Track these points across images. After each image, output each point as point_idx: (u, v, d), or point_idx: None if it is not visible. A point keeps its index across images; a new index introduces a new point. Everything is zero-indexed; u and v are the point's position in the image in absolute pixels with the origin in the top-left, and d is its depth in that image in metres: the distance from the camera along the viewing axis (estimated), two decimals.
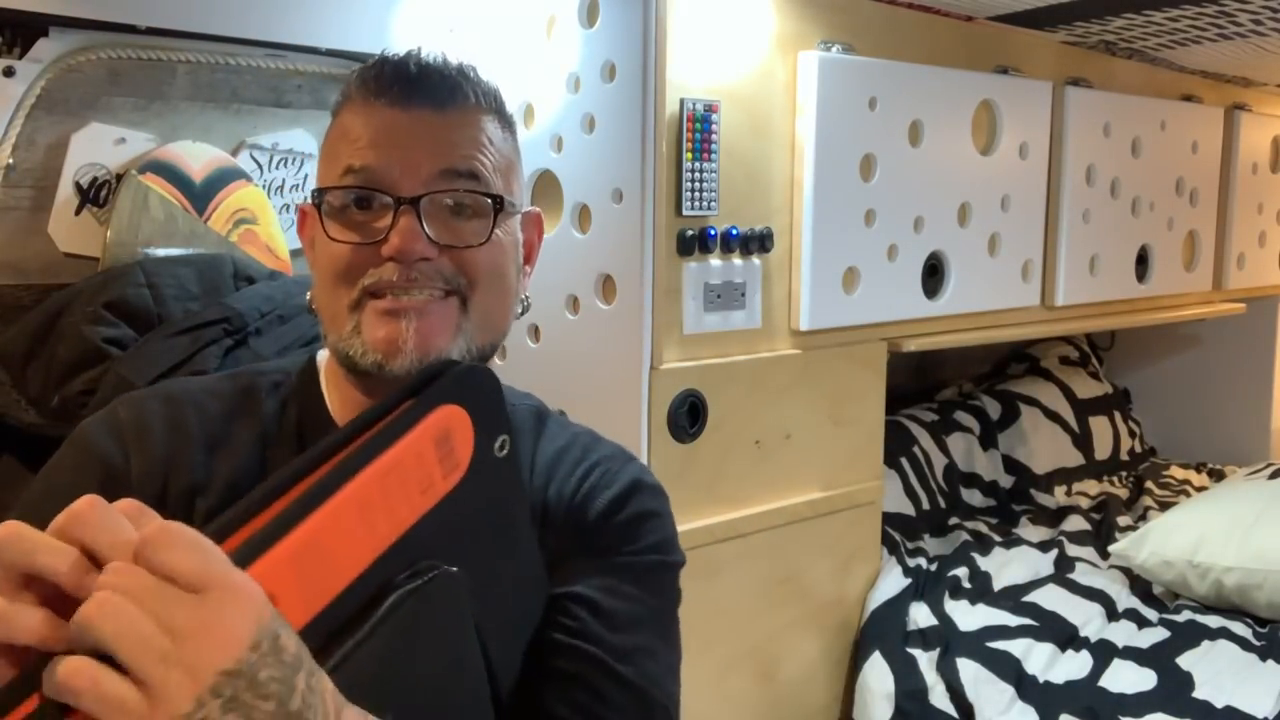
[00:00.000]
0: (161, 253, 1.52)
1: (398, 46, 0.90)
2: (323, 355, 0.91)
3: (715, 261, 1.70)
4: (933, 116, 1.98)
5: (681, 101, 1.61)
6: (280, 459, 0.83)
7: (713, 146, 1.65)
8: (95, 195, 1.51)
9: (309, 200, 0.86)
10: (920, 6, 1.95)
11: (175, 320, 1.37)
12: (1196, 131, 2.66)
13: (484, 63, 1.83)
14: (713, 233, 1.67)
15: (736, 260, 1.73)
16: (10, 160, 1.41)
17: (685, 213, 1.64)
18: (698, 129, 1.63)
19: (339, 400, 0.87)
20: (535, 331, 1.80)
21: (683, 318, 1.65)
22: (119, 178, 1.52)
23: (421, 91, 0.83)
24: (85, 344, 1.34)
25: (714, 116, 1.65)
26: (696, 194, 1.64)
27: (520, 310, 0.93)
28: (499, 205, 0.84)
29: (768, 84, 1.75)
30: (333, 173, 0.84)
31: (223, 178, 1.62)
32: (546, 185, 1.78)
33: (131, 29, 1.48)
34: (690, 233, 1.65)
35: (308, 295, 0.90)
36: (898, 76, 1.91)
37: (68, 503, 0.70)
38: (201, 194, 1.59)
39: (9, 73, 1.39)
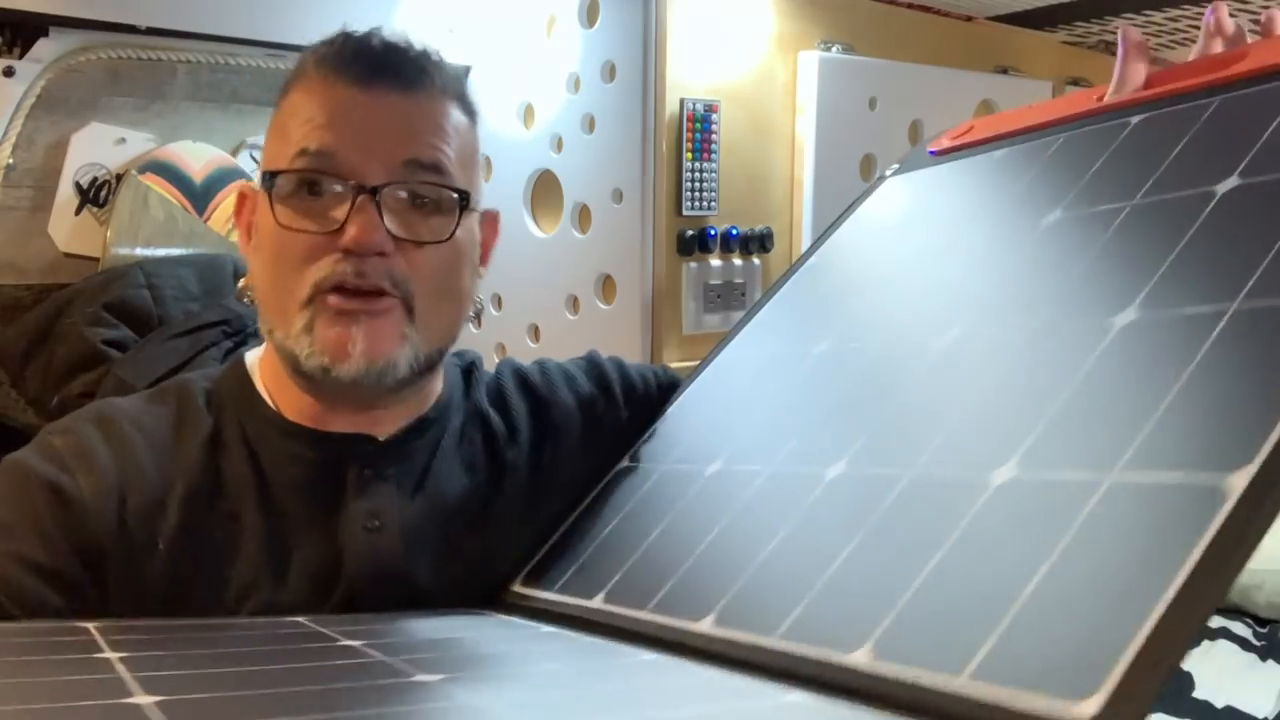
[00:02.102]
0: (161, 253, 1.52)
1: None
2: (251, 357, 0.85)
3: (715, 261, 1.70)
4: (933, 116, 1.98)
5: (681, 101, 1.61)
6: (233, 468, 0.77)
7: (713, 146, 1.65)
8: (95, 195, 1.51)
9: (251, 183, 0.80)
10: (920, 6, 1.95)
11: (175, 322, 1.37)
12: None
13: (484, 63, 1.84)
14: (713, 233, 1.67)
15: (736, 260, 1.73)
16: (10, 160, 1.41)
17: (685, 213, 1.64)
18: (698, 129, 1.63)
19: (285, 400, 0.81)
20: (535, 331, 1.80)
21: (682, 318, 1.65)
22: (119, 178, 1.52)
23: (386, 72, 0.77)
24: (85, 345, 1.34)
25: (714, 116, 1.65)
26: (696, 194, 1.64)
27: (473, 312, 0.91)
28: (464, 202, 0.78)
29: (768, 84, 1.75)
30: (283, 154, 0.76)
31: (223, 178, 1.62)
32: (546, 185, 1.78)
33: (131, 29, 1.48)
34: (690, 233, 1.65)
35: (239, 284, 0.85)
36: (898, 76, 1.91)
37: (21, 536, 0.70)
38: (201, 194, 1.59)
39: (9, 73, 1.39)
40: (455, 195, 0.78)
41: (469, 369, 0.92)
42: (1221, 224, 0.63)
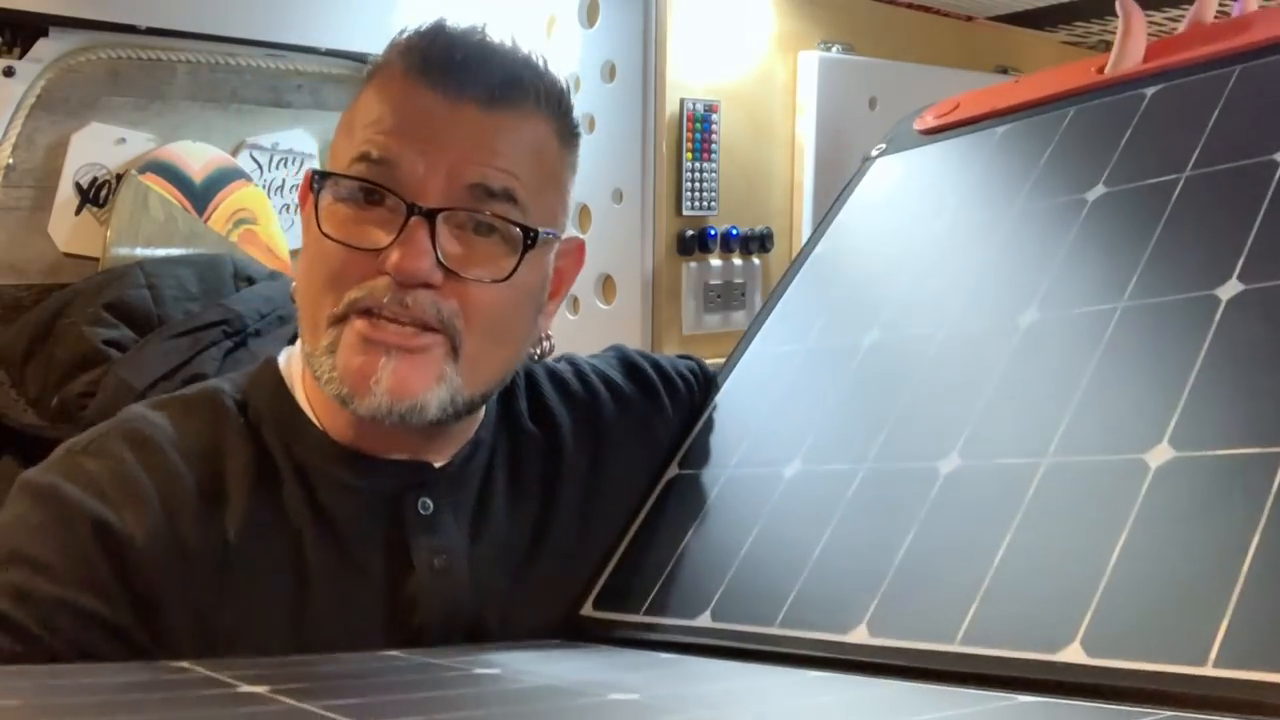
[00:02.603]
0: (161, 253, 1.52)
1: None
2: (284, 361, 0.78)
3: (715, 261, 1.70)
4: None
5: (681, 101, 1.61)
6: (289, 496, 0.71)
7: (713, 146, 1.65)
8: (95, 195, 1.51)
9: (311, 177, 0.71)
10: (920, 6, 1.95)
11: (175, 322, 1.37)
12: None
13: None
14: (713, 233, 1.67)
15: (736, 260, 1.73)
16: (10, 160, 1.41)
17: (685, 213, 1.64)
18: (698, 129, 1.63)
19: (329, 417, 0.73)
20: None
21: (682, 317, 1.65)
22: (119, 178, 1.52)
23: (474, 79, 0.68)
24: (85, 345, 1.33)
25: (714, 116, 1.65)
26: (696, 194, 1.64)
27: (538, 353, 0.84)
28: (531, 241, 0.69)
29: (768, 84, 1.75)
30: (345, 154, 0.69)
31: (223, 178, 1.62)
32: None
33: (131, 29, 1.48)
34: (690, 233, 1.65)
35: (292, 285, 0.75)
36: (898, 76, 1.91)
37: (70, 579, 0.62)
38: (201, 194, 1.59)
39: (9, 73, 1.39)
40: (520, 231, 0.69)
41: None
42: None
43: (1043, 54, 2.24)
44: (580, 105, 1.70)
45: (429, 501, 0.74)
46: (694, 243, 1.65)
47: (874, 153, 1.00)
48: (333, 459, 0.72)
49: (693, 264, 1.67)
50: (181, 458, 0.69)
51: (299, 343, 0.75)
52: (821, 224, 0.97)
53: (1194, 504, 0.51)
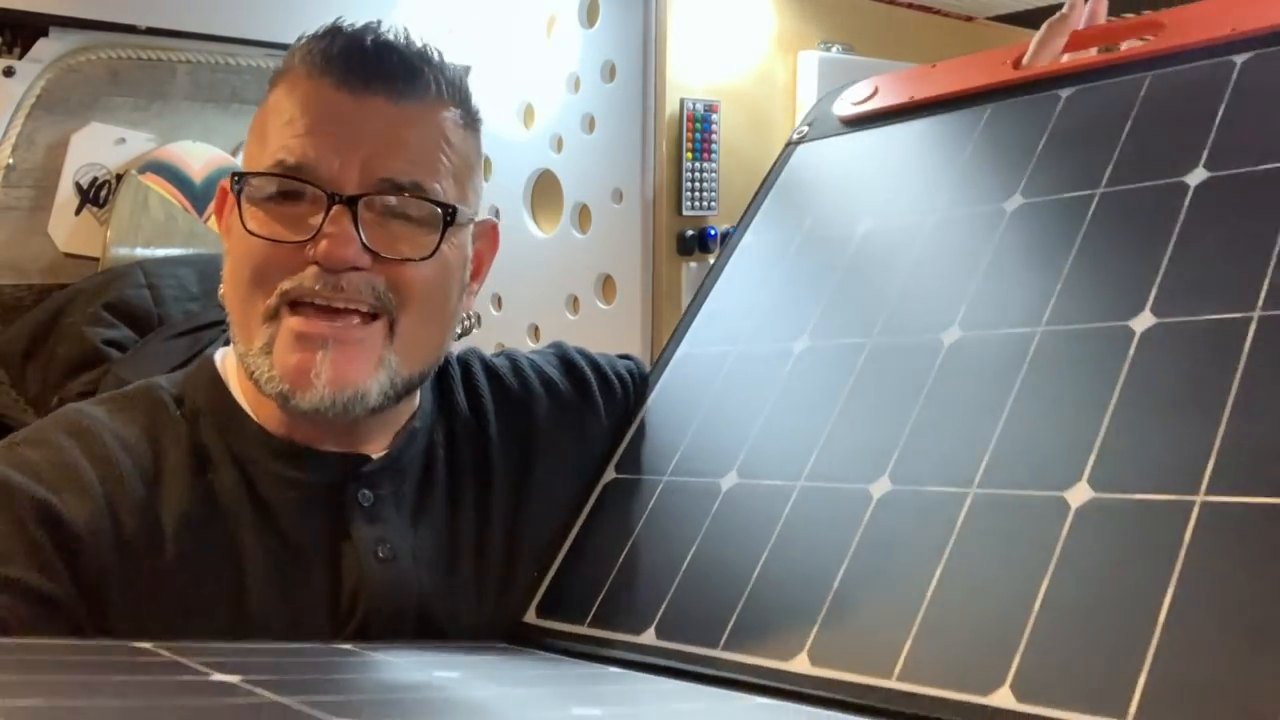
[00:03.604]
0: (161, 253, 1.52)
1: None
2: (220, 359, 0.79)
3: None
4: None
5: (681, 101, 1.61)
6: (225, 487, 0.72)
7: (713, 146, 1.65)
8: (95, 195, 1.51)
9: (231, 180, 0.73)
10: (920, 6, 1.95)
11: (175, 322, 1.37)
12: None
13: (484, 63, 1.84)
14: (713, 233, 1.67)
15: None
16: (10, 160, 1.41)
17: (685, 213, 1.64)
18: (698, 129, 1.63)
19: (267, 413, 0.75)
20: (535, 331, 1.80)
21: None
22: (119, 178, 1.52)
23: (377, 75, 0.71)
24: (85, 345, 1.34)
25: (714, 116, 1.65)
26: (696, 194, 1.64)
27: (461, 331, 0.86)
28: (450, 217, 0.72)
29: (768, 84, 1.75)
30: (261, 156, 0.71)
31: (222, 178, 1.62)
32: (546, 185, 1.78)
33: (131, 29, 1.48)
34: (690, 233, 1.65)
35: (220, 290, 0.76)
36: None
37: (12, 558, 0.63)
38: (201, 194, 1.59)
39: (9, 73, 1.39)
40: (439, 209, 0.72)
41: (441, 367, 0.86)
42: (1207, 218, 0.64)
43: None
44: (580, 105, 1.71)
45: (369, 494, 0.75)
46: (694, 243, 1.65)
47: (795, 137, 0.99)
48: (270, 452, 0.74)
49: (693, 264, 1.67)
50: (120, 447, 0.71)
51: (234, 342, 0.77)
52: (748, 213, 0.96)
53: (1113, 549, 0.53)
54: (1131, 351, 0.60)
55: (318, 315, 0.69)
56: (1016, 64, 0.85)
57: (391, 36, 0.74)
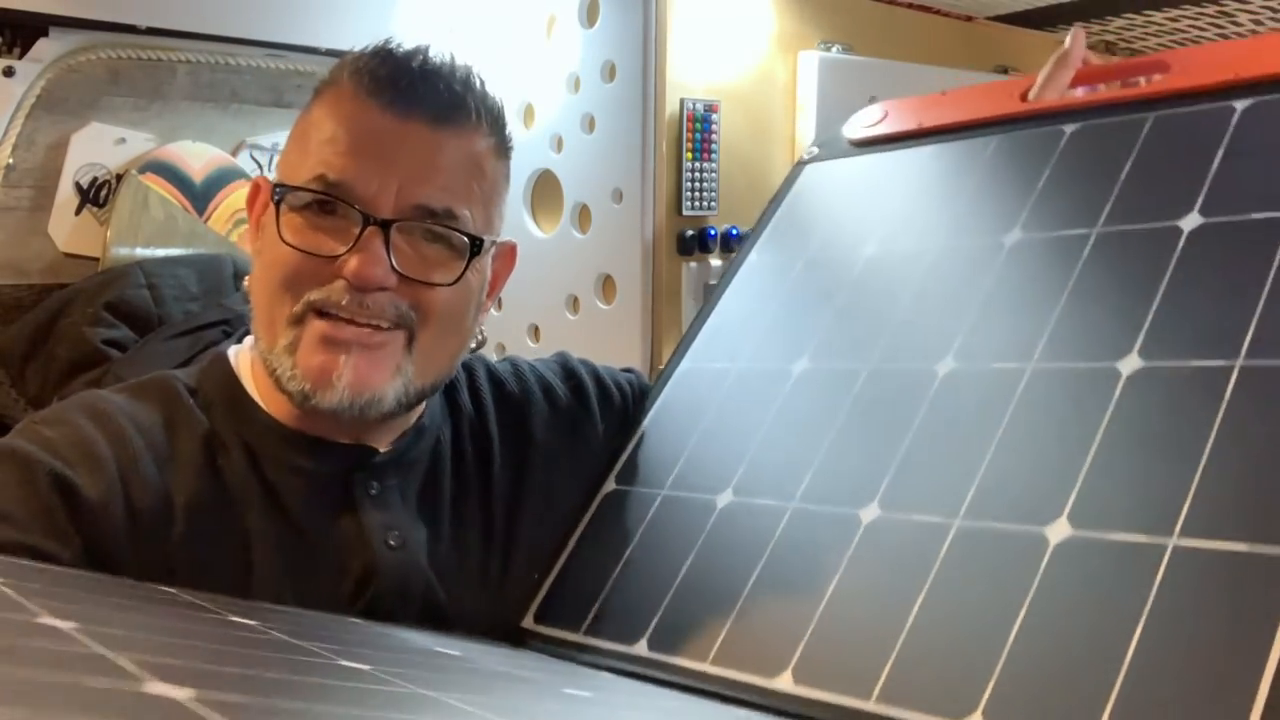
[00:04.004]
0: (161, 253, 1.53)
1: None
2: (234, 354, 0.82)
3: (715, 261, 1.70)
4: None
5: (681, 101, 1.61)
6: (235, 472, 0.75)
7: (713, 146, 1.65)
8: (95, 195, 1.51)
9: (268, 178, 0.75)
10: (920, 6, 1.95)
11: (175, 322, 1.37)
12: None
13: (484, 63, 1.84)
14: (713, 233, 1.67)
15: None
16: (10, 160, 1.41)
17: (685, 213, 1.64)
18: (698, 129, 1.63)
19: (277, 404, 0.77)
20: (535, 331, 1.80)
21: (682, 318, 1.65)
22: (119, 178, 1.52)
23: (421, 101, 0.74)
24: (85, 345, 1.34)
25: (714, 116, 1.65)
26: (696, 194, 1.64)
27: (474, 346, 0.88)
28: (476, 248, 0.76)
29: (768, 84, 1.75)
30: (301, 168, 0.74)
31: (223, 178, 1.62)
32: (546, 185, 1.78)
33: (131, 29, 1.48)
34: (690, 233, 1.65)
35: (245, 280, 0.80)
36: (898, 76, 1.91)
37: (30, 526, 0.66)
38: (201, 194, 1.59)
39: (9, 73, 1.39)
40: (468, 240, 0.75)
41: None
42: (1198, 264, 0.65)
43: (1043, 54, 2.22)
44: (580, 105, 1.71)
45: (376, 484, 0.77)
46: (694, 243, 1.65)
47: (806, 156, 1.01)
48: (280, 440, 0.77)
49: (693, 264, 1.67)
50: (136, 429, 0.74)
51: (248, 340, 0.80)
52: (756, 228, 0.98)
53: (1087, 585, 0.55)
54: (1117, 393, 0.61)
55: (343, 323, 0.72)
56: (1024, 96, 0.87)
57: (439, 62, 0.77)
